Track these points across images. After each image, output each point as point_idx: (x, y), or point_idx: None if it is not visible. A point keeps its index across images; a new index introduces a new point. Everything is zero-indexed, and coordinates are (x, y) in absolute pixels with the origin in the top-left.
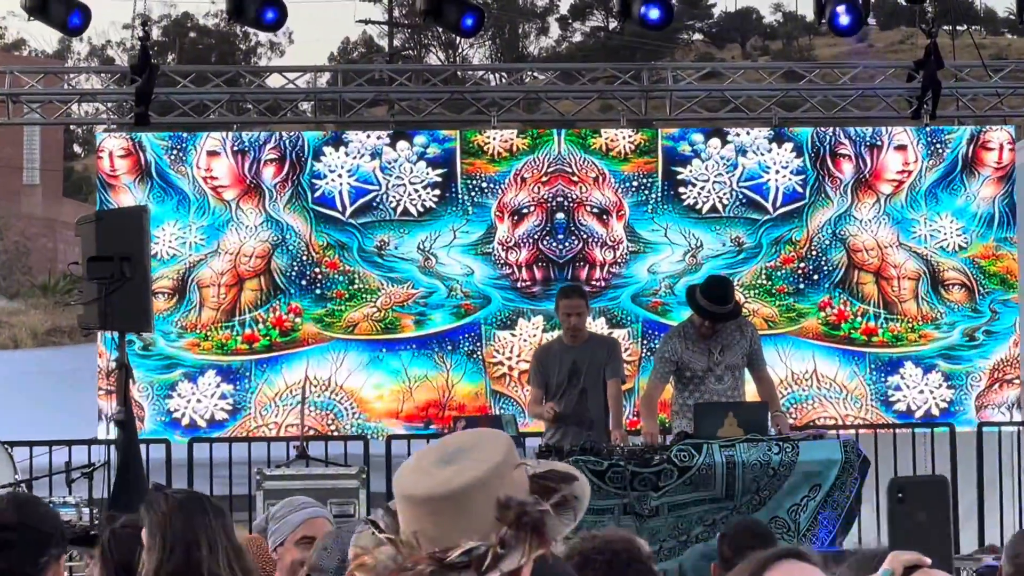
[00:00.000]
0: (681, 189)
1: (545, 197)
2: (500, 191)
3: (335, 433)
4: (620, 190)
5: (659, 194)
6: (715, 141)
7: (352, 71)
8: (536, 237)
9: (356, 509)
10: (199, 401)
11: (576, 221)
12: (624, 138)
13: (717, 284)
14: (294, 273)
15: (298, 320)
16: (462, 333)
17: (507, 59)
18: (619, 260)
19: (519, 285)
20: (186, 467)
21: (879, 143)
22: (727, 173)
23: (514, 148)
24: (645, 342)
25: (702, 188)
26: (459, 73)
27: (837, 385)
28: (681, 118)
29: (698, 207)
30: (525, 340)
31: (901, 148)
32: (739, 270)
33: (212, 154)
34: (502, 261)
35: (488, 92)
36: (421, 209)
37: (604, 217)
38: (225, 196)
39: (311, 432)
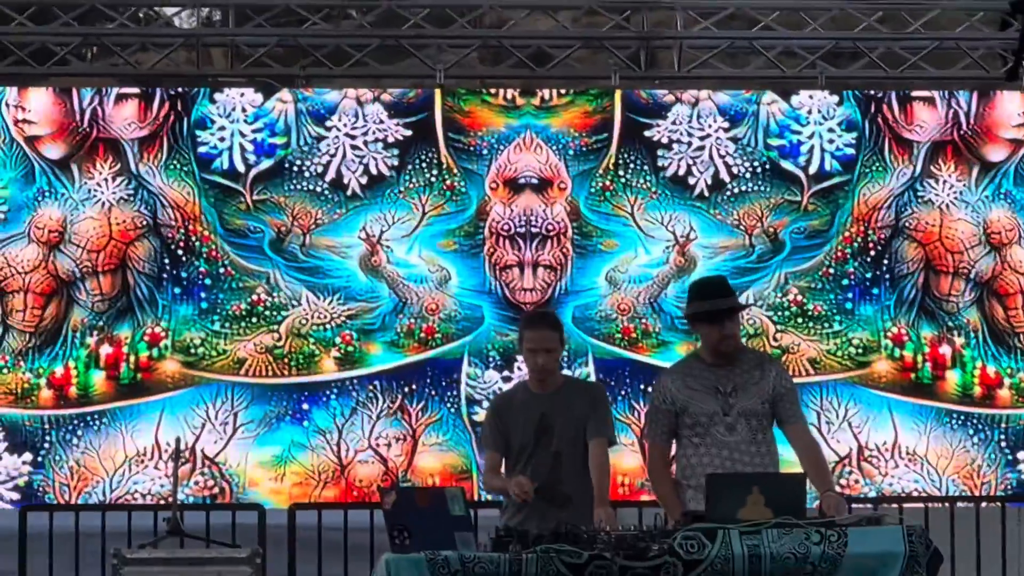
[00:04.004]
0: (659, 152)
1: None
2: (503, 153)
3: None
4: (556, 153)
5: (616, 160)
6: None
7: (248, 6)
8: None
9: None
10: None
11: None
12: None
13: (709, 281)
14: (166, 274)
15: (154, 351)
16: (428, 373)
17: None
18: (558, 260)
19: (519, 297)
20: (16, 541)
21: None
22: (734, 128)
23: (546, 95)
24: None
25: (698, 152)
26: (395, 8)
27: (931, 466)
28: (693, 75)
29: (689, 180)
30: None
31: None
32: (751, 279)
33: (21, 78)
34: (499, 261)
35: (433, 38)
36: (366, 178)
37: (543, 192)
38: (44, 152)
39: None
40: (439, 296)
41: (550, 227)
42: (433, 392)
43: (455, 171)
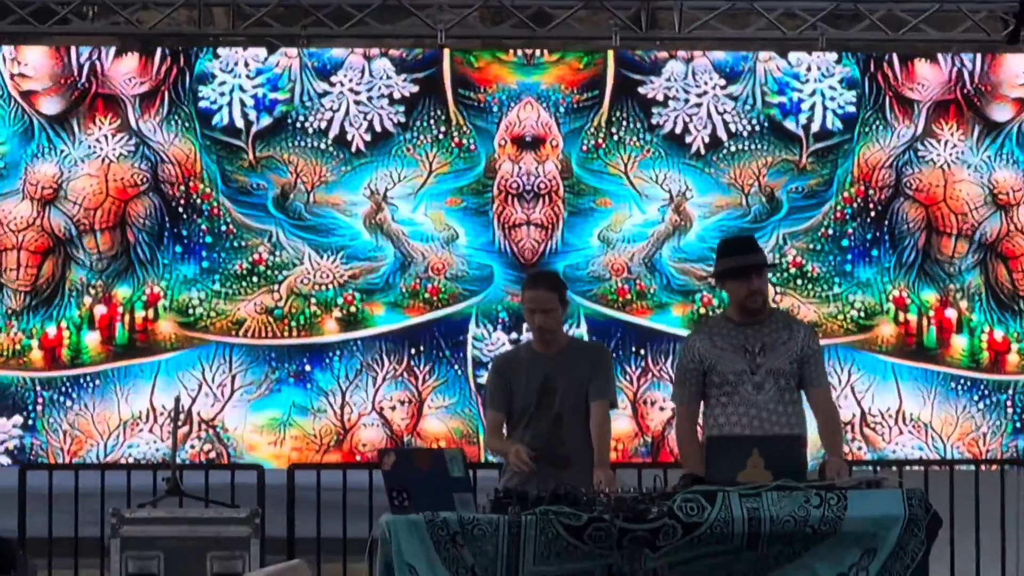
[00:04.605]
0: (654, 110)
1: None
2: (513, 110)
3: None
4: (547, 110)
5: (608, 117)
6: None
7: None
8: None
9: (246, 565)
10: None
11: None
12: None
13: (736, 238)
14: (167, 232)
15: (150, 312)
16: (435, 334)
17: None
18: (550, 219)
19: (529, 257)
20: (16, 500)
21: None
22: (732, 85)
23: (536, 52)
24: None
25: (695, 109)
26: None
27: (935, 432)
28: (694, 36)
29: (685, 138)
30: None
31: None
32: None
33: (21, 37)
34: (508, 220)
35: None
36: (370, 135)
37: (536, 149)
38: (41, 108)
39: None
40: (445, 255)
41: (542, 185)
42: (440, 354)
43: (464, 127)
